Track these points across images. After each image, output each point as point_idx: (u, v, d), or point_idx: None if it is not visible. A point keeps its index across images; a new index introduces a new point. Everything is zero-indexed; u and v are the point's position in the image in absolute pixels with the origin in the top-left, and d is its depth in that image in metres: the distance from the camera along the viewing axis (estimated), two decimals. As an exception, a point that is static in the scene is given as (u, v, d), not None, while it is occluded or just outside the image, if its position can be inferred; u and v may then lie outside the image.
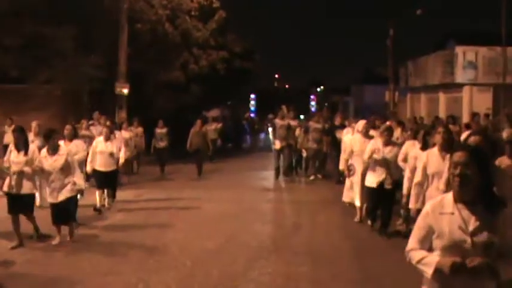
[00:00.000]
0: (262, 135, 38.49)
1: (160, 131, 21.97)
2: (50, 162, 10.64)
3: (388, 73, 38.55)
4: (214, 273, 9.23)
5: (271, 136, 23.80)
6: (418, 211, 8.69)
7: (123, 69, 25.19)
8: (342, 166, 14.61)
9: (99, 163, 14.39)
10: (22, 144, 10.59)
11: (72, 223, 11.27)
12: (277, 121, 21.13)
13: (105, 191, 14.78)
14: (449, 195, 4.15)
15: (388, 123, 15.78)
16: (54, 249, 10.58)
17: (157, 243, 11.22)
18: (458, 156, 4.07)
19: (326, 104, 63.77)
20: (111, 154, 14.46)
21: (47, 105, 23.43)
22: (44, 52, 22.48)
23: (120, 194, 16.04)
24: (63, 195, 10.69)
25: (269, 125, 30.16)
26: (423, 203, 8.24)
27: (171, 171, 22.08)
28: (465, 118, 25.90)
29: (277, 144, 20.77)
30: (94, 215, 13.85)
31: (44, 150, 10.81)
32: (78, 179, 10.95)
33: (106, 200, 14.79)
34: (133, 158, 21.15)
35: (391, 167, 11.51)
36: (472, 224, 3.99)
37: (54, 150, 10.70)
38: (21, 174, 10.47)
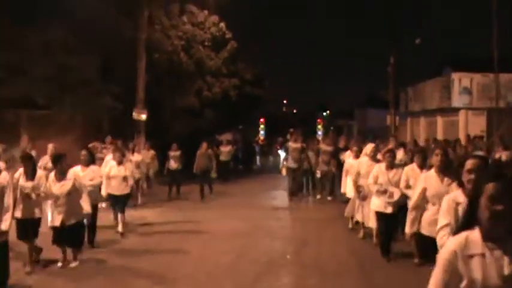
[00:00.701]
0: (271, 158, 38.53)
1: (174, 153, 21.55)
2: (58, 186, 10.18)
3: (389, 97, 38.65)
4: (227, 286, 9.32)
5: (281, 158, 23.42)
6: (414, 235, 8.92)
7: (141, 96, 25.38)
8: (343, 189, 14.94)
9: (113, 187, 13.72)
10: (30, 171, 10.07)
11: (80, 247, 10.83)
12: (291, 144, 20.90)
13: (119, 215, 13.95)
14: (475, 233, 3.37)
15: (390, 146, 15.70)
16: (58, 274, 10.09)
17: (174, 258, 11.34)
18: (496, 189, 3.31)
19: (332, 128, 63.77)
20: (124, 178, 13.79)
21: (70, 131, 23.51)
22: (69, 80, 22.74)
23: (136, 214, 16.05)
24: (70, 220, 10.21)
25: (278, 147, 30.05)
26: (424, 227, 8.30)
27: (185, 192, 21.75)
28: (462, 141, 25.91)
29: (285, 170, 20.87)
30: (105, 237, 13.14)
31: (52, 175, 10.36)
32: (85, 203, 10.38)
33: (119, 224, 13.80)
34: (147, 180, 21.11)
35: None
36: (507, 266, 3.27)
37: (62, 174, 10.28)
38: (27, 199, 9.91)
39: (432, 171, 8.37)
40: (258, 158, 41.27)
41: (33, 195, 9.95)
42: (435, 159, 8.36)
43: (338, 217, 15.97)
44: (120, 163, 13.94)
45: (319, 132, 64.50)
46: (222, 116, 30.91)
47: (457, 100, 30.60)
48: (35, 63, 21.91)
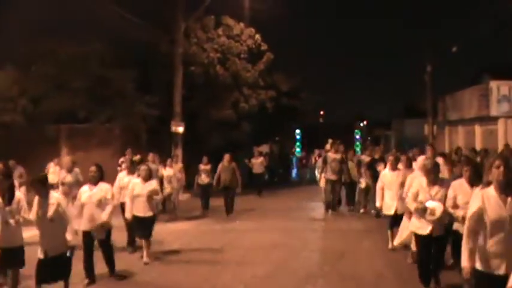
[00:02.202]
0: (308, 170, 38.30)
1: (204, 167, 20.14)
2: (40, 213, 8.60)
3: (426, 107, 38.23)
4: (264, 298, 9.30)
5: (317, 170, 22.64)
6: (475, 272, 6.28)
7: (178, 108, 25.62)
8: (379, 203, 13.33)
9: (136, 207, 12.12)
10: (6, 191, 8.62)
11: (67, 280, 8.91)
12: (330, 155, 19.90)
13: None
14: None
15: (426, 156, 13.95)
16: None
17: (211, 270, 11.34)
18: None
19: (369, 138, 63.39)
20: (150, 197, 12.16)
21: (109, 143, 23.90)
22: (107, 94, 23.11)
23: (171, 227, 16.05)
24: (52, 252, 8.53)
25: (317, 158, 29.73)
26: (481, 261, 6.14)
27: (220, 204, 20.41)
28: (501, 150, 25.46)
29: (323, 181, 19.81)
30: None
31: (36, 198, 8.72)
32: (69, 233, 8.60)
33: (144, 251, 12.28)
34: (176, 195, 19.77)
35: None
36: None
37: (44, 198, 8.59)
38: (5, 225, 8.46)
39: (491, 190, 6.29)
40: (295, 170, 41.06)
41: (12, 222, 8.55)
42: (496, 173, 6.27)
43: (376, 228, 15.88)
44: (146, 180, 12.29)
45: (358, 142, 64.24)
46: (259, 128, 30.93)
47: (496, 108, 30.15)
48: (74, 77, 22.34)
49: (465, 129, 35.60)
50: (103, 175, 10.66)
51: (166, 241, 14.44)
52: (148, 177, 12.35)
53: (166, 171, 18.64)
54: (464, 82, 36.86)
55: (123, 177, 13.77)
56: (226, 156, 19.70)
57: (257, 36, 29.21)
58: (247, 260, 12.40)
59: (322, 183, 20.17)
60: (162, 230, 15.60)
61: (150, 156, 18.37)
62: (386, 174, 13.33)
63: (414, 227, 9.48)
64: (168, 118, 25.43)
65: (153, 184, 12.43)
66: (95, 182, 10.43)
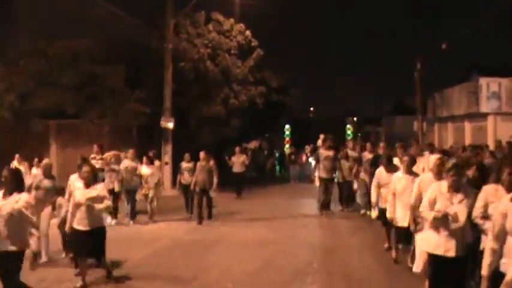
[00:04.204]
0: (298, 167, 38.01)
1: (187, 165, 18.61)
2: None
3: (416, 104, 38.25)
4: (253, 295, 9.27)
5: (312, 167, 21.95)
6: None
7: (168, 104, 25.54)
8: (390, 214, 10.89)
9: (78, 218, 9.69)
10: None
11: None
12: (322, 152, 19.01)
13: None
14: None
15: (411, 153, 13.02)
16: None
17: (200, 267, 11.27)
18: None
19: (359, 134, 63.36)
20: (90, 207, 9.58)
21: (99, 139, 23.72)
22: (96, 90, 22.98)
23: (156, 226, 16.18)
24: None
25: (308, 155, 29.43)
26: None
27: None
28: (490, 146, 25.43)
29: (323, 175, 18.55)
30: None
31: None
32: None
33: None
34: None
35: (463, 225, 7.12)
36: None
37: None
38: None
39: None
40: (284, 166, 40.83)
41: None
42: None
43: (365, 225, 15.88)
44: (88, 185, 9.88)
45: (349, 138, 64.27)
46: (249, 124, 30.82)
47: (485, 105, 30.26)
48: (63, 73, 22.22)
49: (454, 126, 35.70)
50: (20, 182, 8.08)
51: (152, 239, 14.41)
52: (91, 181, 9.91)
53: (143, 170, 17.56)
54: (454, 79, 36.91)
55: (74, 180, 11.37)
56: (202, 154, 18.00)
57: (247, 32, 29.14)
58: (237, 256, 12.35)
59: (317, 182, 19.14)
60: (147, 230, 15.66)
61: (130, 153, 17.45)
62: (400, 178, 10.86)
63: (428, 245, 7.42)
64: (158, 114, 25.33)
65: (97, 189, 9.86)
66: (8, 190, 7.76)
